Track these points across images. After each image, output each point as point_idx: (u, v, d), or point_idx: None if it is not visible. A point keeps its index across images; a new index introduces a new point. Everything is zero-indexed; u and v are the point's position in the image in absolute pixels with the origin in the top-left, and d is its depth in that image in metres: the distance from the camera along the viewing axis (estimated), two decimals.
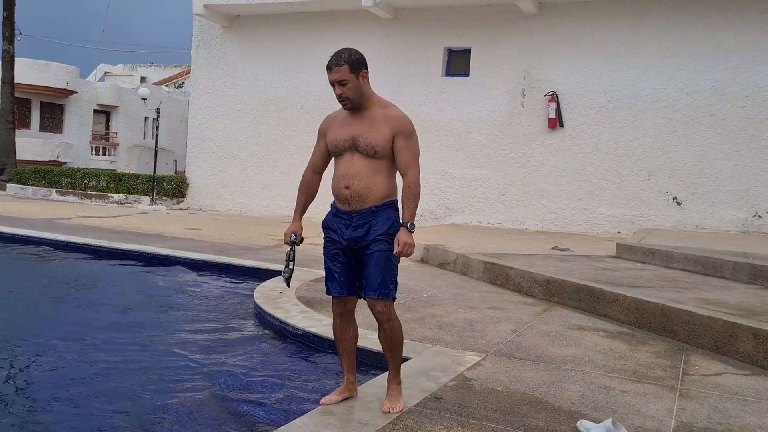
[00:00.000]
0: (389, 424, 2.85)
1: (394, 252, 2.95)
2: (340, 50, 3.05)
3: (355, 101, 3.02)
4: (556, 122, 11.86)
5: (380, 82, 13.16)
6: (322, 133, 3.19)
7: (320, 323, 4.64)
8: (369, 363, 4.00)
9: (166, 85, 31.31)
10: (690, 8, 11.08)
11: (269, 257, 7.91)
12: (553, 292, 5.90)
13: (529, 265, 6.57)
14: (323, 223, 3.19)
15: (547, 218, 11.65)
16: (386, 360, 3.18)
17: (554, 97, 11.83)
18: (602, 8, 11.60)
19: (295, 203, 3.35)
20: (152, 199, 15.00)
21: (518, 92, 12.18)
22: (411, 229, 2.95)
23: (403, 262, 8.62)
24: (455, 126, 12.63)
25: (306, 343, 4.50)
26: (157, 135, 16.40)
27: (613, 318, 5.28)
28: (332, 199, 3.15)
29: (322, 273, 6.80)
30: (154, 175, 15.30)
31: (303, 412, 3.02)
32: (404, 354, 3.92)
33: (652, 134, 11.40)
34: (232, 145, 14.63)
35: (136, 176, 16.29)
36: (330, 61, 3.02)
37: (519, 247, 9.00)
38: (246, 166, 14.51)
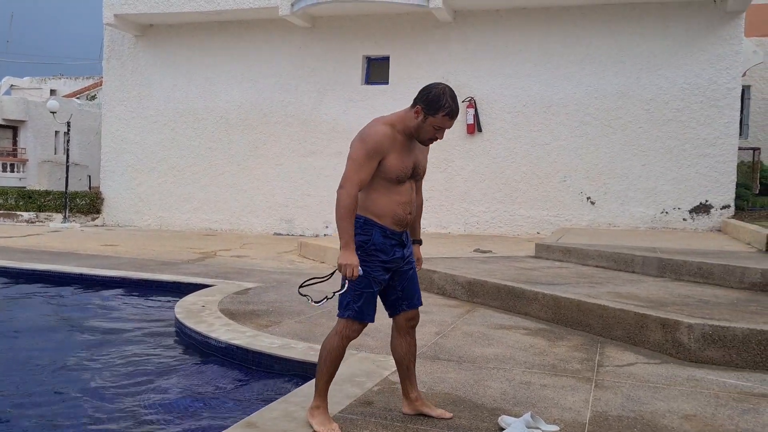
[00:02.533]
0: None
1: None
2: (453, 93, 2.96)
3: None
4: (474, 127, 12.14)
5: (300, 90, 13.15)
6: (380, 153, 2.87)
7: (244, 335, 4.57)
8: (294, 372, 3.98)
9: (77, 98, 30.09)
10: (595, 17, 11.60)
11: (191, 271, 7.73)
12: (476, 293, 6.03)
13: (451, 267, 6.68)
14: (372, 246, 2.93)
15: (470, 222, 11.89)
16: (409, 371, 3.17)
17: (472, 103, 12.11)
18: (514, 17, 11.98)
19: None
20: (65, 217, 14.39)
21: None
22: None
23: (327, 271, 8.59)
24: None
25: (230, 356, 4.42)
26: (68, 150, 15.75)
27: (533, 316, 5.44)
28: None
29: (246, 285, 6.85)
30: (66, 191, 14.69)
31: (226, 427, 2.97)
32: None
33: (565, 137, 11.83)
34: (149, 157, 14.22)
35: (48, 193, 15.59)
36: (454, 109, 2.91)
37: (442, 251, 9.15)
38: (164, 179, 14.14)
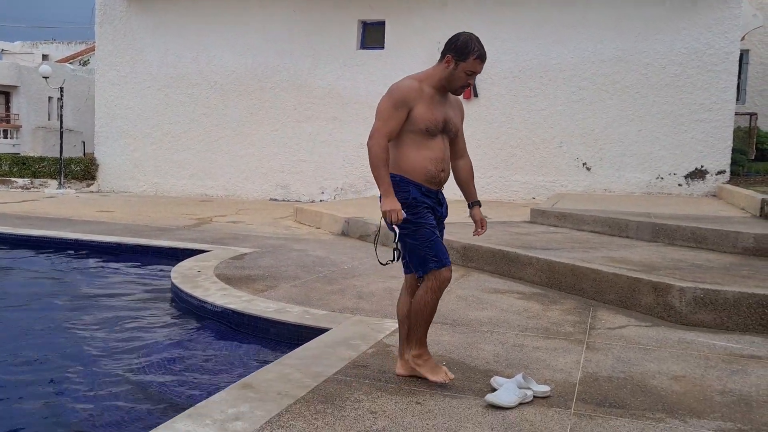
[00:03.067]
0: (309, 393, 2.88)
1: (480, 233, 3.33)
2: (478, 39, 3.03)
3: None
4: (471, 93, 12.06)
5: (295, 56, 13.01)
6: (406, 104, 2.93)
7: (240, 299, 4.61)
8: (289, 336, 4.02)
9: (70, 63, 29.74)
10: None
11: (187, 237, 7.75)
12: (471, 258, 6.06)
13: (447, 232, 6.69)
14: (415, 199, 2.97)
15: (449, 185, 11.85)
16: (410, 331, 3.11)
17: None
18: None
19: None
20: (60, 183, 14.34)
21: (433, 63, 12.26)
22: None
23: (322, 236, 8.62)
24: (372, 99, 12.58)
25: (226, 320, 4.46)
26: (62, 115, 15.62)
27: (527, 280, 5.48)
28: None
29: (242, 250, 6.87)
30: (60, 158, 14.61)
31: (223, 388, 3.01)
32: (325, 325, 3.99)
33: (562, 102, 11.77)
34: (143, 123, 14.12)
35: (42, 159, 15.49)
36: (483, 52, 2.99)
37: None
38: (159, 145, 14.05)
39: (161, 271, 6.28)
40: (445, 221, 3.20)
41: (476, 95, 12.08)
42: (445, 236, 6.38)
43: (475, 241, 6.05)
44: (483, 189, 11.57)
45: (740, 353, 3.68)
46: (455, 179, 3.27)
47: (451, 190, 3.30)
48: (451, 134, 3.08)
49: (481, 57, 2.97)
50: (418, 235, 2.95)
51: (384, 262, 3.04)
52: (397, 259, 3.03)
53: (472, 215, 3.27)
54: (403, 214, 2.88)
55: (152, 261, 6.81)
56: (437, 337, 3.81)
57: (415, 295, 3.07)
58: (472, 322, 4.19)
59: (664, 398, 2.98)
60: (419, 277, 3.02)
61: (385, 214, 2.91)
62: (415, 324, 3.04)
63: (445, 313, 4.38)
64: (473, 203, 3.28)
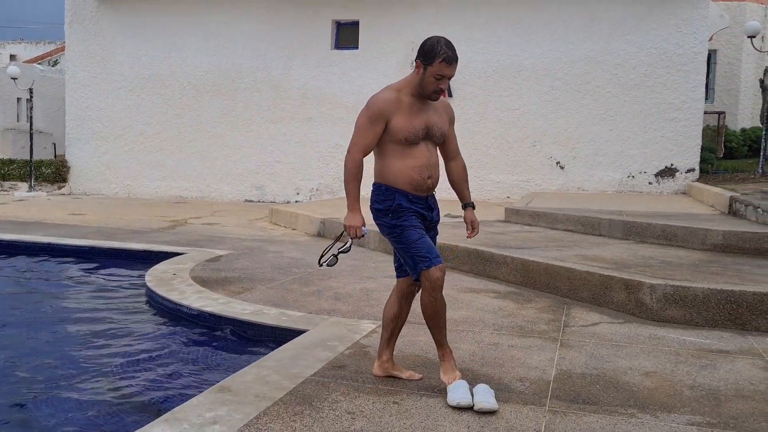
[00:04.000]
0: (287, 395, 2.89)
1: (472, 236, 3.29)
2: (448, 41, 2.99)
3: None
4: (446, 92, 12.10)
5: (269, 56, 12.97)
6: (383, 117, 2.97)
7: (216, 302, 4.60)
8: (267, 338, 4.02)
9: (39, 63, 29.25)
10: None
11: (161, 239, 7.69)
12: (446, 258, 6.08)
13: None
14: (399, 205, 3.00)
15: (441, 187, 11.86)
16: (393, 335, 3.22)
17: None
18: None
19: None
20: (31, 185, 14.10)
21: (407, 63, 12.31)
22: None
23: (298, 237, 8.59)
24: (347, 99, 12.64)
25: (202, 323, 4.44)
26: (31, 117, 15.35)
27: (502, 279, 5.55)
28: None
29: (218, 252, 6.84)
30: (31, 160, 14.37)
31: (201, 391, 3.00)
32: (302, 326, 3.99)
33: (535, 102, 11.89)
34: (115, 124, 13.95)
35: (11, 161, 15.23)
36: (450, 55, 2.95)
37: None
38: (132, 146, 13.90)
39: (136, 274, 6.23)
40: (434, 227, 3.21)
41: (450, 95, 12.15)
42: None
43: (450, 240, 6.10)
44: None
45: (709, 348, 3.77)
46: (449, 181, 3.27)
47: (445, 192, 3.38)
48: (436, 139, 3.08)
49: (448, 59, 2.93)
50: (404, 237, 2.97)
51: (321, 263, 3.21)
52: (329, 264, 3.18)
53: (464, 217, 3.27)
54: (362, 231, 2.99)
55: (126, 264, 6.75)
56: (413, 337, 3.84)
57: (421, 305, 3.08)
58: (448, 321, 4.20)
59: (636, 394, 3.05)
60: (415, 281, 3.04)
61: (345, 228, 3.02)
62: (429, 328, 3.10)
63: (420, 313, 4.40)
64: (466, 205, 3.27)
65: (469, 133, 12.12)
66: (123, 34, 13.77)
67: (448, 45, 2.96)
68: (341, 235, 3.15)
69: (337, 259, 3.17)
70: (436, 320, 3.06)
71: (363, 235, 3.01)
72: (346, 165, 3.00)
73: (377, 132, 2.98)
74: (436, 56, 2.93)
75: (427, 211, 3.09)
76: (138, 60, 13.70)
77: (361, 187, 3.00)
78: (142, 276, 5.69)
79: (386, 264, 6.30)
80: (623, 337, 3.95)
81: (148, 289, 5.19)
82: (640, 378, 3.25)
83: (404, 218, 2.99)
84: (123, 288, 5.88)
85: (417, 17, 12.21)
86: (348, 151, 3.01)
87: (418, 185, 3.01)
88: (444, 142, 3.17)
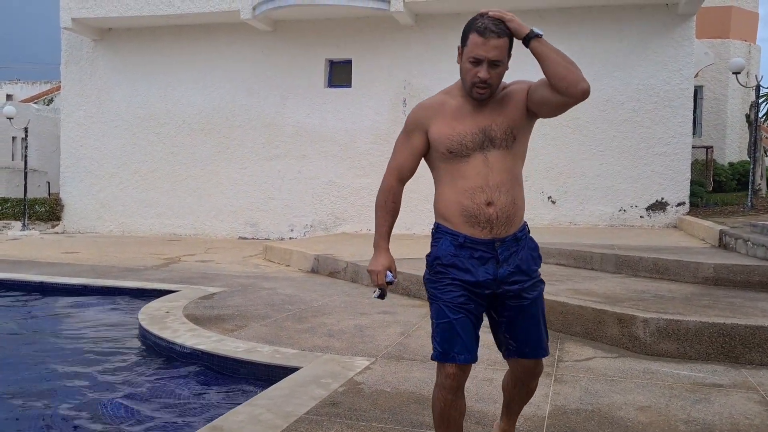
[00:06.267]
0: None
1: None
2: (495, 19, 2.19)
3: (492, 92, 2.28)
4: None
5: (263, 94, 13.12)
6: (419, 126, 2.32)
7: (209, 340, 4.58)
8: (260, 376, 4.00)
9: (35, 102, 29.44)
10: (553, 19, 11.81)
11: (155, 277, 7.67)
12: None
13: (415, 269, 6.76)
14: (436, 259, 2.31)
15: (432, 222, 11.94)
16: (509, 408, 2.66)
17: None
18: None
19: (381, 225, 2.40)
20: (24, 224, 14.08)
21: (399, 101, 12.49)
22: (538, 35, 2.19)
23: (292, 273, 8.59)
24: (340, 136, 12.77)
25: (196, 361, 4.42)
26: (26, 155, 15.41)
27: None
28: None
29: (211, 289, 6.83)
30: (25, 198, 14.38)
31: (193, 431, 2.98)
32: (295, 364, 3.98)
33: None
34: (109, 163, 14.02)
35: (5, 200, 15.23)
36: (486, 24, 2.17)
37: (406, 252, 9.21)
38: (126, 184, 13.95)
39: (129, 312, 6.20)
40: (522, 293, 2.30)
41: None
42: (415, 272, 6.39)
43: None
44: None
45: (703, 382, 3.78)
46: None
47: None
48: (505, 141, 2.26)
49: (480, 30, 2.16)
50: (432, 307, 2.33)
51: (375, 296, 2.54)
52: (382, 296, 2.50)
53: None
54: (384, 279, 2.38)
55: (119, 302, 6.73)
56: (407, 373, 3.83)
57: None
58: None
59: (631, 429, 3.04)
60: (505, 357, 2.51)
61: (368, 273, 2.42)
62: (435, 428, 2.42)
63: (415, 348, 4.41)
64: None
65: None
66: (119, 74, 13.93)
67: (491, 18, 2.19)
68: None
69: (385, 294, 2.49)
70: (440, 424, 2.35)
71: (390, 283, 2.38)
72: (378, 191, 2.42)
73: (414, 147, 2.34)
74: (470, 30, 2.22)
75: (486, 263, 2.25)
76: (133, 99, 13.84)
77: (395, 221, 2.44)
78: (135, 314, 5.67)
79: (381, 300, 6.29)
80: (617, 372, 3.95)
81: (141, 327, 5.17)
82: (634, 413, 3.25)
83: (437, 284, 2.29)
84: (115, 326, 5.85)
85: (410, 55, 12.41)
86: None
87: (471, 217, 2.23)
88: (537, 100, 2.24)
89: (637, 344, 4.39)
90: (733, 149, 16.61)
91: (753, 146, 12.24)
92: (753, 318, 4.44)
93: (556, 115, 2.25)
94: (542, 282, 2.40)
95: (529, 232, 2.41)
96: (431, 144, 2.31)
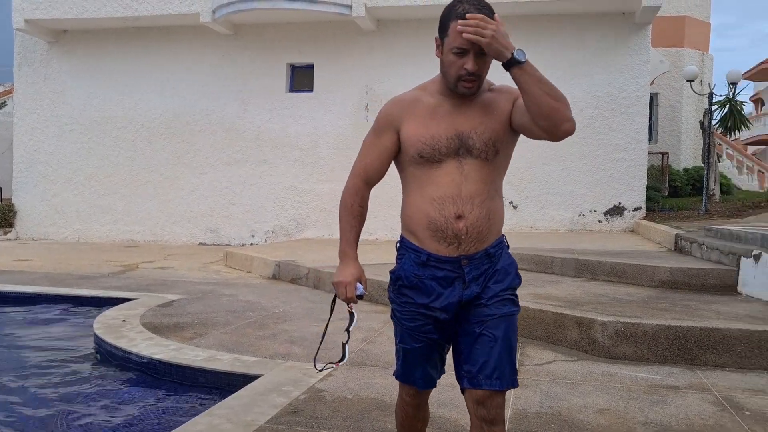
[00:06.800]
0: None
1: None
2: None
3: (480, 85, 2.03)
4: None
5: (224, 98, 12.97)
6: (390, 124, 2.07)
7: (167, 349, 4.48)
8: (220, 384, 3.93)
9: None
10: (515, 28, 11.95)
11: (111, 285, 7.49)
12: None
13: (377, 274, 6.74)
14: (398, 278, 2.11)
15: (396, 228, 11.89)
16: None
17: None
18: (434, 26, 12.14)
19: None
20: None
21: (362, 106, 12.49)
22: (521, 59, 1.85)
23: (253, 280, 8.49)
24: (302, 141, 12.70)
25: (153, 371, 4.32)
26: None
27: None
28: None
29: (170, 297, 6.70)
30: None
31: None
32: (256, 371, 3.92)
33: None
34: (65, 168, 13.68)
35: None
36: (467, 9, 1.89)
37: (370, 257, 9.20)
38: (82, 189, 13.63)
39: (84, 321, 6.04)
40: (485, 308, 2.03)
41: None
42: (377, 277, 6.38)
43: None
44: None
45: (660, 384, 3.84)
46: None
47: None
48: (484, 152, 2.00)
49: (462, 17, 1.88)
50: (395, 327, 2.17)
51: (319, 369, 2.34)
52: (344, 359, 2.21)
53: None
54: (353, 292, 2.10)
55: (74, 312, 6.55)
56: (369, 380, 3.80)
57: None
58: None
59: None
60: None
61: (334, 287, 2.16)
62: None
63: (377, 354, 4.39)
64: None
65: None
66: (74, 77, 13.62)
67: (470, 2, 1.91)
68: (333, 299, 2.27)
69: (345, 349, 2.19)
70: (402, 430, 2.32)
71: (360, 297, 2.11)
72: (342, 196, 2.18)
73: (384, 147, 2.08)
74: (450, 17, 1.93)
75: (451, 285, 2.03)
76: (90, 102, 13.55)
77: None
78: (90, 323, 5.52)
79: (343, 306, 6.25)
80: (577, 375, 3.99)
81: (97, 337, 5.03)
82: (594, 416, 3.29)
83: (401, 306, 2.11)
84: (70, 336, 5.68)
85: (371, 61, 12.43)
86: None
87: (438, 231, 1.99)
88: (509, 153, 2.10)
89: (596, 347, 4.44)
90: (687, 155, 17.05)
91: (707, 152, 12.58)
92: (707, 320, 4.54)
93: (537, 140, 2.04)
94: (515, 303, 2.08)
95: (507, 247, 2.14)
96: (402, 145, 2.06)
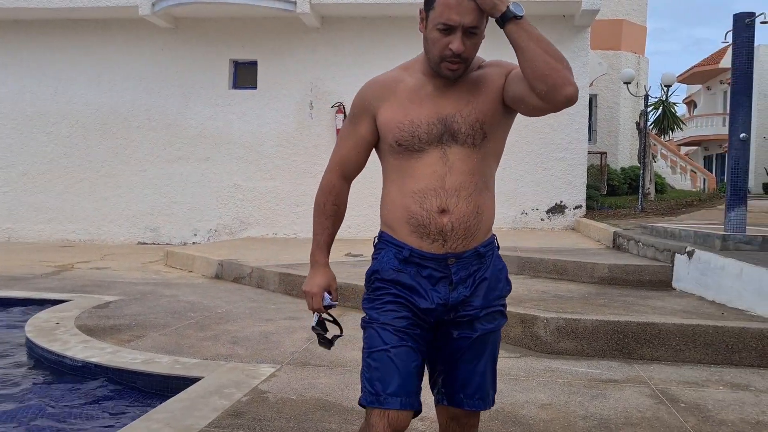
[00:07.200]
0: None
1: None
2: None
3: (467, 67, 1.81)
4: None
5: (164, 94, 12.65)
6: (366, 109, 1.87)
7: (103, 352, 4.33)
8: (159, 388, 3.81)
9: None
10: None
11: (44, 286, 7.20)
12: (347, 297, 6.07)
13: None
14: (375, 273, 1.89)
15: (342, 226, 11.90)
16: None
17: (341, 109, 12.20)
18: (381, 24, 12.20)
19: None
20: None
21: (306, 104, 12.38)
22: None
23: (195, 280, 8.31)
24: (245, 138, 12.50)
25: (89, 375, 4.16)
26: None
27: None
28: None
29: (107, 298, 6.49)
30: None
31: None
32: (197, 374, 3.82)
33: None
34: None
35: None
36: None
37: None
38: (13, 187, 13.06)
39: (14, 324, 5.78)
40: (475, 322, 1.85)
41: None
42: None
43: (350, 280, 6.08)
44: (359, 227, 11.70)
45: (599, 378, 3.92)
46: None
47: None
48: (471, 136, 1.79)
49: None
50: (365, 334, 1.87)
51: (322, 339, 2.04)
52: (330, 342, 2.04)
53: None
54: (320, 303, 1.96)
55: (4, 314, 6.26)
56: (313, 380, 3.76)
57: None
58: (349, 362, 4.18)
59: (532, 426, 3.11)
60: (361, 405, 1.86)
61: (304, 295, 1.99)
62: None
63: (321, 354, 4.34)
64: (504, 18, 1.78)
65: (369, 173, 12.21)
66: (4, 70, 13.05)
67: None
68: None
69: (328, 340, 2.03)
70: None
71: (329, 307, 1.97)
72: (317, 191, 2.00)
73: (361, 136, 1.89)
74: None
75: (437, 284, 1.82)
76: (21, 96, 13.00)
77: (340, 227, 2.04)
78: (21, 326, 5.28)
79: (287, 305, 6.19)
80: (520, 371, 4.04)
81: (28, 340, 4.82)
82: (536, 411, 3.33)
83: (374, 303, 1.85)
84: (0, 340, 5.43)
85: (316, 58, 12.33)
86: None
87: (420, 226, 1.79)
88: (503, 136, 1.90)
89: (539, 343, 4.51)
90: (624, 155, 17.58)
91: (643, 152, 12.99)
92: (644, 315, 4.67)
93: (533, 116, 1.78)
94: (503, 315, 1.92)
95: (498, 248, 1.96)
96: (379, 132, 1.85)
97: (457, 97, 1.80)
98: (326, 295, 1.97)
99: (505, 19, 1.68)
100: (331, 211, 1.96)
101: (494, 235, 1.95)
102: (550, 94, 1.64)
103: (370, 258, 1.98)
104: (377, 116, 1.84)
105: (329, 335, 2.03)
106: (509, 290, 1.96)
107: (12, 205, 13.04)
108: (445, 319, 1.84)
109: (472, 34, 1.73)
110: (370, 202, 12.02)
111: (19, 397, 3.99)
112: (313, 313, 1.99)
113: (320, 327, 2.01)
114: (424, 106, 1.79)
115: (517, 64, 1.73)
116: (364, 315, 1.90)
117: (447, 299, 1.81)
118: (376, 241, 1.94)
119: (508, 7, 1.68)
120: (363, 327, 1.88)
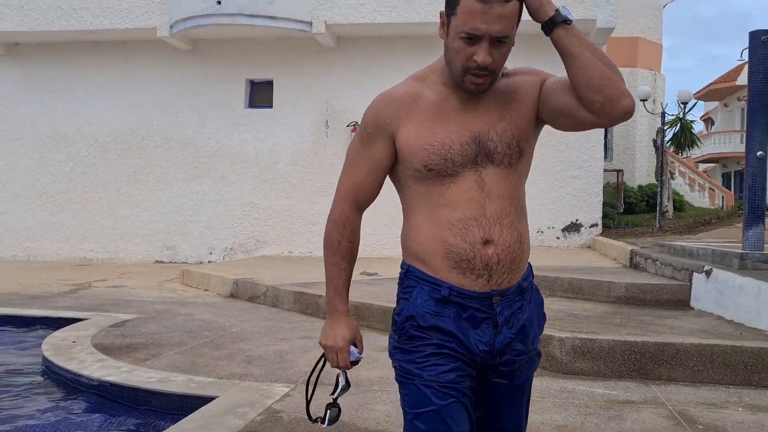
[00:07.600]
0: None
1: None
2: None
3: (494, 81, 1.61)
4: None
5: (181, 114, 12.80)
6: (384, 130, 1.62)
7: (119, 371, 4.35)
8: (174, 407, 3.82)
9: None
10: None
11: (62, 305, 7.27)
12: (362, 317, 6.06)
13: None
14: (409, 319, 1.62)
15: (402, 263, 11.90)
16: None
17: (356, 127, 12.25)
18: (397, 43, 12.29)
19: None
20: None
21: (322, 123, 12.47)
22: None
23: (210, 298, 8.34)
24: (261, 157, 12.60)
25: (104, 394, 4.18)
26: None
27: None
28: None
29: (123, 316, 6.55)
30: None
31: None
32: (211, 393, 3.83)
33: None
34: (14, 183, 13.28)
35: None
36: None
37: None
38: (32, 206, 13.24)
39: (32, 342, 5.83)
40: (516, 371, 1.66)
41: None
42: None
43: (365, 299, 6.08)
44: (374, 245, 11.69)
45: (616, 399, 3.88)
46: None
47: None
48: (507, 155, 1.59)
49: None
50: (405, 391, 1.62)
51: (313, 419, 1.85)
52: (329, 422, 1.83)
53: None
54: (347, 359, 1.70)
55: (22, 332, 6.32)
56: (327, 400, 3.74)
57: None
58: (363, 381, 4.17)
59: None
60: None
61: (324, 350, 1.74)
62: None
63: (335, 374, 4.32)
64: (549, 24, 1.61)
65: (385, 192, 12.25)
66: (25, 90, 13.29)
67: None
68: (320, 358, 1.83)
69: (338, 406, 1.83)
70: None
71: (355, 362, 1.72)
72: (326, 227, 1.75)
73: (376, 161, 1.65)
74: None
75: (484, 330, 1.59)
76: (41, 117, 13.22)
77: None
78: (38, 345, 5.33)
79: (302, 323, 6.19)
80: (535, 392, 4.00)
81: (45, 359, 4.86)
82: None
83: (412, 356, 1.60)
84: (17, 359, 5.48)
85: (332, 77, 12.43)
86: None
87: (462, 261, 1.56)
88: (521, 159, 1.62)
89: (554, 363, 4.47)
90: (641, 172, 17.48)
91: (660, 170, 12.91)
92: (662, 335, 4.61)
93: (573, 131, 1.61)
94: (540, 356, 1.74)
95: (533, 278, 1.75)
96: (400, 155, 1.61)
97: (488, 111, 1.59)
98: (353, 348, 1.71)
99: (554, 23, 1.52)
100: (347, 249, 1.70)
101: (530, 265, 1.73)
102: (606, 107, 1.48)
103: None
104: (396, 138, 1.60)
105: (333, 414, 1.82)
106: (545, 323, 1.76)
107: (31, 225, 13.21)
108: (489, 365, 1.62)
109: (501, 43, 1.54)
110: (385, 221, 12.03)
111: (34, 416, 4.02)
112: (339, 370, 1.73)
113: (346, 387, 1.77)
114: (452, 123, 1.57)
115: (549, 76, 1.62)
116: (397, 365, 1.65)
117: (492, 344, 1.59)
118: (403, 276, 1.67)
119: (557, 10, 1.52)
120: (400, 382, 1.64)
